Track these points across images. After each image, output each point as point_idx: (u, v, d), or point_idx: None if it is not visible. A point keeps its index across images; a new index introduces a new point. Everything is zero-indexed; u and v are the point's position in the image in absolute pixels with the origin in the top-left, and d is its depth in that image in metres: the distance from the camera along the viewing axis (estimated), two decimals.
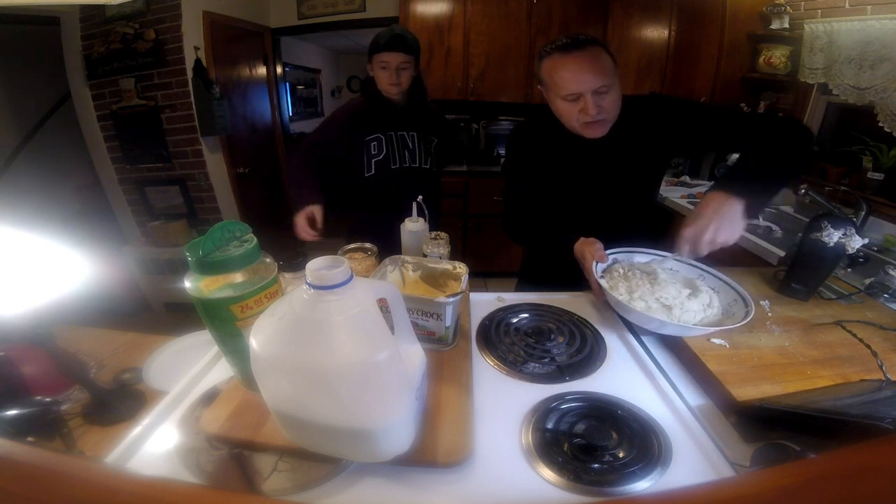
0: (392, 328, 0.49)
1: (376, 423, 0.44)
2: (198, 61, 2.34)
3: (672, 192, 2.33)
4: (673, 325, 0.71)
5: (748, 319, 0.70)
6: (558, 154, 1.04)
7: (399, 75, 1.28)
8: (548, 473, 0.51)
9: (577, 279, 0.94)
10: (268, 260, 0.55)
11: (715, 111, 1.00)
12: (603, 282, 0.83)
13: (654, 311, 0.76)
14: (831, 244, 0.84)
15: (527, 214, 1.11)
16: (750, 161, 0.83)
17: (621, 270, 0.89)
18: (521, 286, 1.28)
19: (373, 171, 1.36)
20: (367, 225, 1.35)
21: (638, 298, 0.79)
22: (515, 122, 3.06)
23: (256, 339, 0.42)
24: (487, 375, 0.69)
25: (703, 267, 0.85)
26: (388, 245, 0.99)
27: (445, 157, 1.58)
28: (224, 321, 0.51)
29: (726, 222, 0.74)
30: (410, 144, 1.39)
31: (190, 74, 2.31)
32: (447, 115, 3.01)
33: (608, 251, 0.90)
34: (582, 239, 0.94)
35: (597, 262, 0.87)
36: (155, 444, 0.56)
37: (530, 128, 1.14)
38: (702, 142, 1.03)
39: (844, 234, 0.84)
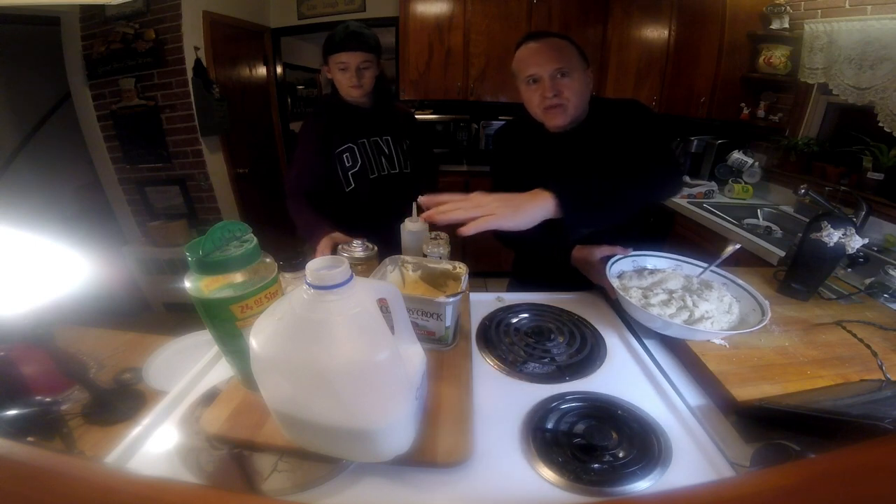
0: (392, 328, 0.49)
1: (376, 423, 0.44)
2: (198, 61, 2.34)
3: None
4: (678, 326, 0.71)
5: (759, 328, 0.69)
6: (539, 152, 1.05)
7: (361, 76, 1.17)
8: (548, 473, 0.51)
9: (566, 278, 0.94)
10: (268, 260, 0.55)
11: (654, 140, 0.97)
12: (616, 281, 0.83)
13: (669, 315, 0.75)
14: (831, 244, 0.84)
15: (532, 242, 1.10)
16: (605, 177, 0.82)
17: (640, 273, 0.88)
18: (513, 286, 1.28)
19: (352, 185, 1.25)
20: (363, 232, 1.17)
21: (649, 301, 0.79)
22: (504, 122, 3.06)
23: (256, 339, 0.42)
24: (487, 375, 0.69)
25: (728, 275, 0.84)
26: (387, 245, 0.99)
27: (422, 159, 1.42)
28: (224, 321, 0.51)
29: (512, 211, 0.70)
30: (386, 150, 1.28)
31: (190, 74, 2.31)
32: (447, 115, 3.05)
33: (622, 255, 0.90)
34: (578, 247, 0.94)
35: (612, 263, 0.86)
36: (155, 444, 0.56)
37: (512, 127, 1.15)
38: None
39: (844, 234, 0.84)
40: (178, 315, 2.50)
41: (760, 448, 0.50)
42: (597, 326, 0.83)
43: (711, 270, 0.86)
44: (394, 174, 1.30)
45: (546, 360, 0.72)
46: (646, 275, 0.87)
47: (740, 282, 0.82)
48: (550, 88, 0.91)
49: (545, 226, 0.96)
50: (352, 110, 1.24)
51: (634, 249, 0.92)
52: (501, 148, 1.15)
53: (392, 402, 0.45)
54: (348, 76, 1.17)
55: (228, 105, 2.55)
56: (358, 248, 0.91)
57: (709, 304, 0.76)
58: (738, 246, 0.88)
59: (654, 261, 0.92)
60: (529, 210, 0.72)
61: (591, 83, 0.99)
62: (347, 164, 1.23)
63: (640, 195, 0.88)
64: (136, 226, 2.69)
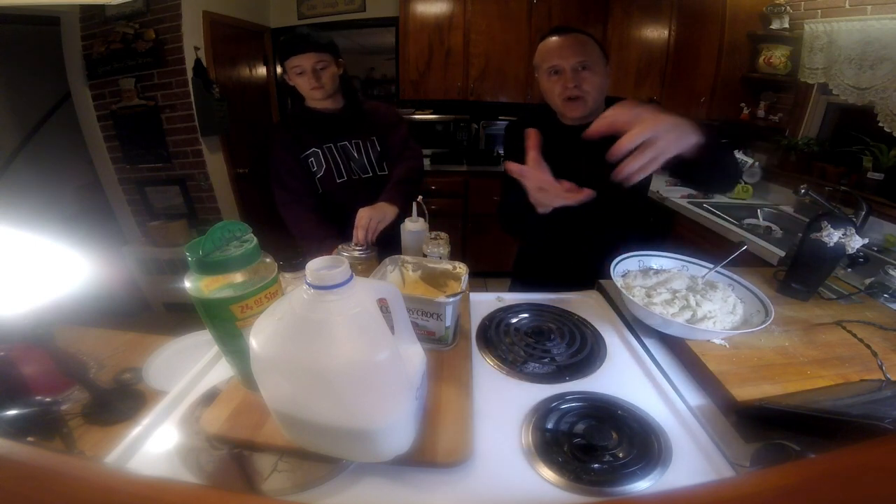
0: (392, 328, 0.49)
1: (376, 423, 0.44)
2: (198, 61, 2.34)
3: (672, 193, 2.33)
4: (678, 324, 0.71)
5: (760, 328, 0.69)
6: (553, 144, 1.05)
7: (319, 77, 1.15)
8: (548, 473, 0.51)
9: (569, 277, 0.94)
10: (268, 260, 0.55)
11: None
12: (620, 280, 0.83)
13: (671, 314, 0.75)
14: (831, 244, 0.84)
15: (519, 206, 1.11)
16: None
17: (646, 272, 0.88)
18: (515, 286, 1.28)
19: (321, 191, 1.24)
20: (346, 236, 1.11)
21: (652, 300, 0.78)
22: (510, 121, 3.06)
23: (256, 339, 0.42)
24: (487, 375, 0.69)
25: (734, 277, 0.84)
26: (386, 245, 0.99)
27: (399, 157, 1.32)
28: (224, 321, 0.51)
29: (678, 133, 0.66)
30: (355, 154, 1.26)
31: (190, 74, 2.31)
32: (447, 115, 3.05)
33: (629, 254, 0.90)
34: None
35: (616, 263, 0.85)
36: (155, 444, 0.56)
37: (523, 123, 1.16)
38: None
39: (844, 234, 0.84)
40: (178, 315, 2.50)
41: (760, 448, 0.50)
42: (597, 326, 0.83)
43: (717, 271, 0.86)
44: (366, 178, 1.27)
45: (546, 360, 0.72)
46: (651, 274, 0.87)
47: (746, 283, 0.82)
48: (572, 80, 0.95)
49: (557, 216, 0.96)
50: (317, 116, 1.23)
51: (636, 249, 0.92)
52: (514, 142, 1.17)
53: (392, 402, 0.45)
54: (306, 79, 1.15)
55: (228, 105, 2.55)
56: (358, 248, 0.91)
57: (712, 305, 0.76)
58: (745, 247, 0.88)
59: (661, 261, 0.92)
60: (689, 134, 0.68)
61: (609, 80, 1.01)
62: (314, 169, 1.23)
63: (731, 172, 0.92)
64: (136, 226, 2.68)
